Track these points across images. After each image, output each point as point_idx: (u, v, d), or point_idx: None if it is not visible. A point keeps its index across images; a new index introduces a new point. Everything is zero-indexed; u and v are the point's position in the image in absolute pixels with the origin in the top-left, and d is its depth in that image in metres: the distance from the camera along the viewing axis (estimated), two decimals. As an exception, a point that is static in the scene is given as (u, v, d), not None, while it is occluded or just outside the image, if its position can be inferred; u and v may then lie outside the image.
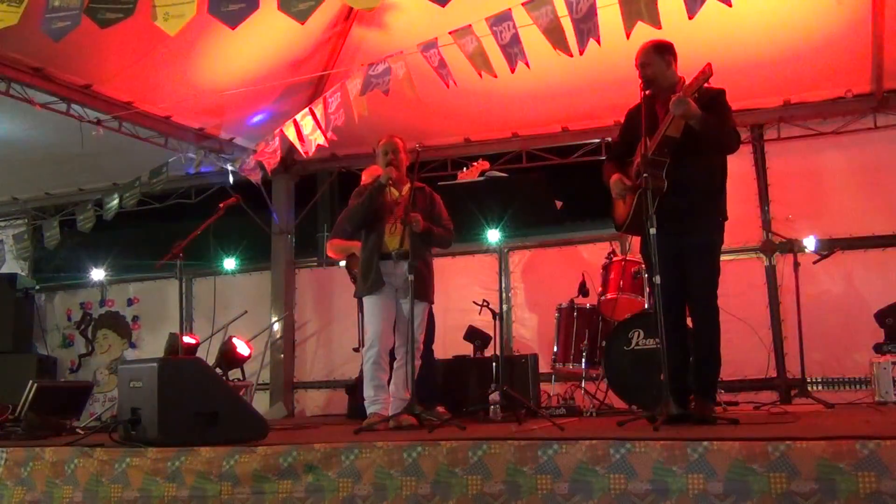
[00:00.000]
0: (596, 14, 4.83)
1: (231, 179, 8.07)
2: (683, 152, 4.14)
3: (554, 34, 5.04)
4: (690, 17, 4.53)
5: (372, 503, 3.28)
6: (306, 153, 6.86)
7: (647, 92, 4.24)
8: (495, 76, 5.42)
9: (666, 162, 4.13)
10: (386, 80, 5.89)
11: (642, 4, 4.68)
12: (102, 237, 9.27)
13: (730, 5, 4.54)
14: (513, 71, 5.33)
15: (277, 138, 7.01)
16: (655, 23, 4.67)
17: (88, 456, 3.83)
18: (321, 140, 6.67)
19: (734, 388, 6.63)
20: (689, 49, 5.57)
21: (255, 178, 7.66)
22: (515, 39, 5.22)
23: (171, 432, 3.78)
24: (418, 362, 4.80)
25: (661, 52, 4.30)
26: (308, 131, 6.68)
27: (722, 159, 4.33)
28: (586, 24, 4.87)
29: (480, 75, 5.41)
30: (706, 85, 4.06)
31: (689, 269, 4.23)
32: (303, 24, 4.39)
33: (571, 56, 5.06)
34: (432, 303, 5.02)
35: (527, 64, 5.20)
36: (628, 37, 4.65)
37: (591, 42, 4.90)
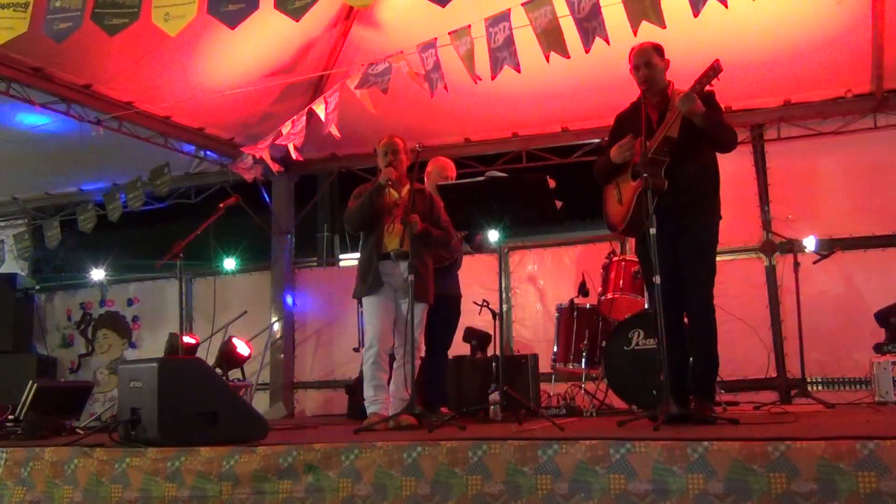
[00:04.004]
0: (601, 12, 4.83)
1: (231, 179, 8.07)
2: (680, 153, 4.14)
3: (551, 36, 5.03)
4: (695, 15, 4.53)
5: (372, 503, 3.28)
6: (299, 156, 6.93)
7: (644, 88, 4.23)
8: (475, 81, 5.43)
9: (665, 161, 4.14)
10: (385, 80, 5.89)
11: (647, 4, 4.67)
12: (102, 237, 9.27)
13: (726, 6, 4.53)
14: (493, 77, 5.35)
15: (272, 138, 7.02)
16: (660, 22, 4.67)
17: (88, 456, 3.83)
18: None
19: (734, 388, 6.63)
20: (689, 49, 5.60)
21: (250, 177, 7.67)
22: (508, 42, 5.22)
23: (171, 432, 3.78)
24: (417, 362, 4.79)
25: (660, 54, 4.30)
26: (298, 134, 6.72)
27: (714, 160, 4.34)
28: (591, 23, 4.86)
29: (476, 81, 5.43)
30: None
31: (686, 269, 4.23)
32: (298, 21, 4.39)
33: (568, 58, 5.07)
34: (431, 303, 5.01)
35: (514, 69, 5.22)
36: (636, 35, 4.65)
37: (607, 40, 4.89)
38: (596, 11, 4.83)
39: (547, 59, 5.11)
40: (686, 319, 4.32)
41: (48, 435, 4.88)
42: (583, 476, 3.01)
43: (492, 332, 6.58)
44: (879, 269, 6.81)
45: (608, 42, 4.84)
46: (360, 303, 5.36)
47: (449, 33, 5.53)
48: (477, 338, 6.66)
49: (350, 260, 9.46)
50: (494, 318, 6.24)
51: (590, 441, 3.07)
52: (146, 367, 4.02)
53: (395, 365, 4.96)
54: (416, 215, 4.78)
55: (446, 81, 5.62)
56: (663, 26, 4.64)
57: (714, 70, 3.98)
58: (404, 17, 6.54)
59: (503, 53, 5.24)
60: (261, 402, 8.13)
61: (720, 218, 4.36)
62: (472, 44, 5.37)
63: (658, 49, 4.31)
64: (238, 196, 6.37)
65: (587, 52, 4.94)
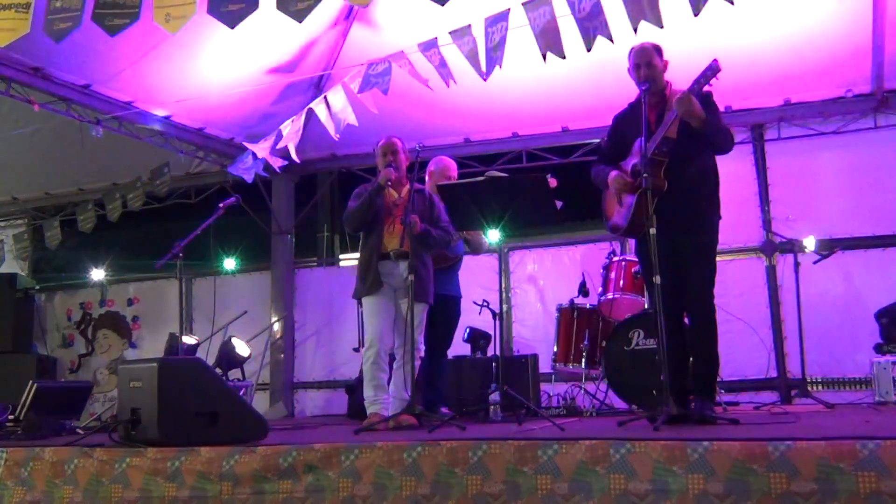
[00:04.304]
0: (603, 12, 4.83)
1: (231, 179, 8.07)
2: (679, 153, 4.14)
3: (548, 36, 5.04)
4: (695, 15, 4.53)
5: (372, 503, 3.28)
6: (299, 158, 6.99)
7: (644, 88, 4.22)
8: (484, 79, 5.45)
9: (664, 162, 4.13)
10: (385, 80, 5.90)
11: (645, 3, 4.68)
12: (102, 237, 9.27)
13: (732, 3, 4.54)
14: (485, 79, 5.36)
15: (275, 137, 7.03)
16: (658, 22, 4.67)
17: (88, 456, 3.83)
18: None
19: (734, 388, 6.63)
20: (689, 49, 5.59)
21: (250, 177, 7.67)
22: (502, 42, 5.24)
23: (171, 432, 3.78)
24: (417, 363, 4.79)
25: (660, 54, 4.30)
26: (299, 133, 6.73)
27: (713, 160, 4.34)
28: (592, 23, 4.87)
29: (485, 79, 5.44)
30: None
31: (687, 268, 4.22)
32: (300, 23, 4.40)
33: (564, 58, 5.08)
34: (431, 304, 5.01)
35: (500, 66, 5.24)
36: (636, 33, 4.65)
37: (611, 39, 4.90)
38: (597, 11, 4.83)
39: (544, 59, 5.12)
40: (686, 319, 4.32)
41: (48, 435, 4.88)
42: (583, 476, 3.01)
43: (492, 332, 6.58)
44: (879, 269, 6.81)
45: (612, 41, 4.84)
46: (359, 303, 5.36)
47: (450, 33, 5.55)
48: (480, 338, 6.67)
49: (350, 260, 9.46)
50: (494, 318, 6.23)
51: (590, 441, 3.07)
52: (146, 367, 4.01)
53: (394, 365, 4.96)
54: (415, 216, 4.77)
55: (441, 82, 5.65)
56: (661, 26, 4.64)
57: (712, 70, 3.97)
58: (404, 16, 6.54)
59: (497, 53, 5.26)
60: (261, 402, 8.14)
61: (720, 218, 4.36)
62: (475, 42, 5.38)
63: (658, 49, 4.30)
64: (238, 196, 6.37)
65: (588, 51, 4.95)
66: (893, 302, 6.19)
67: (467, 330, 6.76)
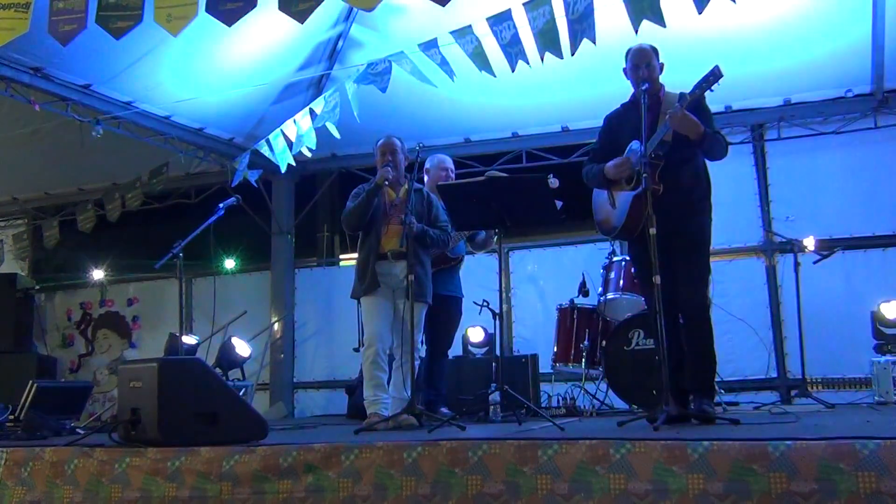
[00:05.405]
0: (592, 14, 4.84)
1: (230, 179, 8.07)
2: (673, 156, 4.13)
3: (547, 35, 5.05)
4: (699, 13, 4.53)
5: (372, 503, 3.28)
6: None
7: (645, 88, 4.21)
8: (494, 76, 5.44)
9: (660, 165, 4.13)
10: (385, 79, 5.90)
11: (646, 3, 4.68)
12: (102, 237, 9.27)
13: (734, 1, 4.54)
14: (513, 70, 5.35)
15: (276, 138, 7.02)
16: (660, 21, 4.66)
17: (88, 456, 3.83)
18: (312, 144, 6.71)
19: (734, 388, 6.64)
20: (689, 49, 5.60)
21: (252, 178, 7.67)
22: (516, 38, 5.24)
23: (171, 432, 3.78)
24: (416, 362, 4.79)
25: (657, 54, 4.30)
26: (305, 131, 6.71)
27: (705, 162, 4.34)
28: (581, 25, 4.88)
29: (495, 75, 5.44)
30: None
31: (680, 268, 4.22)
32: (302, 23, 4.40)
33: (562, 58, 5.08)
34: (429, 303, 5.01)
35: (527, 62, 5.23)
36: (637, 33, 4.65)
37: (594, 41, 4.90)
38: (589, 12, 4.84)
39: (541, 59, 5.13)
40: (681, 319, 4.32)
41: (48, 435, 4.87)
42: (583, 476, 3.01)
43: (492, 332, 6.58)
44: (879, 269, 6.81)
45: (594, 43, 4.86)
46: (359, 302, 5.36)
47: (451, 33, 5.55)
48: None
49: (350, 260, 9.44)
50: (494, 318, 6.23)
51: (590, 441, 3.07)
52: (146, 367, 4.01)
53: (394, 365, 4.96)
54: (413, 216, 4.77)
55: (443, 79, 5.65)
56: (664, 25, 4.64)
57: (714, 75, 3.95)
58: (405, 17, 6.53)
59: (515, 49, 5.27)
60: (261, 402, 8.13)
61: (711, 220, 4.36)
62: (479, 41, 5.38)
63: (655, 51, 4.31)
64: (238, 196, 6.36)
65: (573, 55, 4.96)
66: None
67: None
